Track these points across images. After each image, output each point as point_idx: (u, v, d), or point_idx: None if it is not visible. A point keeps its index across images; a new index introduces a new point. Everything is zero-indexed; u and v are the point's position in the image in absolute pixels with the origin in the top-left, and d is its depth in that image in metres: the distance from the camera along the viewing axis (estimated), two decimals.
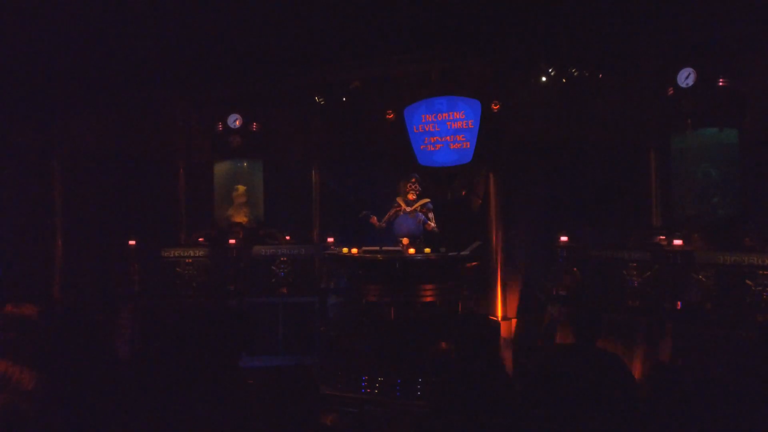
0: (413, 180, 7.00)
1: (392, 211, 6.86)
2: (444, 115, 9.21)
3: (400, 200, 6.92)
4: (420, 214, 6.85)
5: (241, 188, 9.76)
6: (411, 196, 6.87)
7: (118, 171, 10.39)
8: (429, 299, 6.43)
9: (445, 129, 9.20)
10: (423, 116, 9.33)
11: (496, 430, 3.55)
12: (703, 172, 7.30)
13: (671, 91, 7.36)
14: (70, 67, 9.13)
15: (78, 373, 2.71)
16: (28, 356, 2.54)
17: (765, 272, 5.98)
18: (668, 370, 6.19)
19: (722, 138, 7.28)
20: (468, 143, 9.05)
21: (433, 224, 6.84)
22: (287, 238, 9.48)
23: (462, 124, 9.10)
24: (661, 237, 7.21)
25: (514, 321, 8.93)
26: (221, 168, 10.01)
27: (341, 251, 6.72)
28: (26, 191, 10.10)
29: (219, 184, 9.98)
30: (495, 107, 8.87)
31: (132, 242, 8.66)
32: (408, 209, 6.78)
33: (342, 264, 7.35)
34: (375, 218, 6.85)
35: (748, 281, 6.10)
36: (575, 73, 8.53)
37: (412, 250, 6.37)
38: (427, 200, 6.93)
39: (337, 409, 5.84)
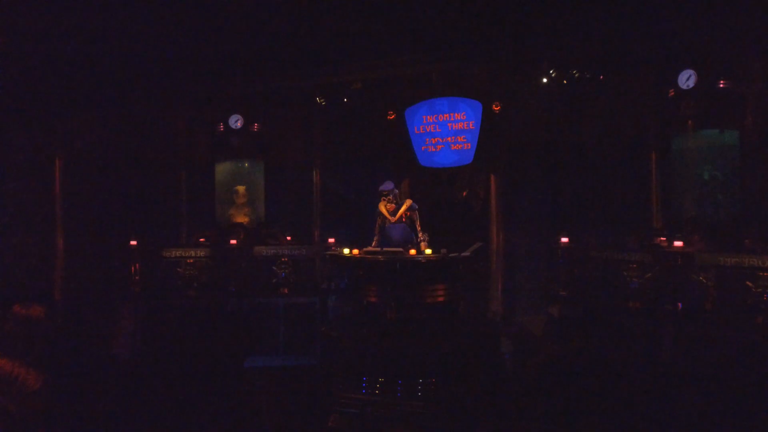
0: (384, 193, 6.72)
1: (379, 221, 6.79)
2: (445, 116, 9.23)
3: (383, 209, 6.74)
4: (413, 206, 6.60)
5: (241, 189, 9.79)
6: (390, 207, 6.72)
7: (119, 171, 10.41)
8: (430, 300, 6.44)
9: (446, 130, 9.22)
10: (424, 117, 9.35)
11: (496, 430, 3.57)
12: (709, 174, 7.31)
13: (672, 93, 7.38)
14: (73, 67, 9.15)
15: (81, 373, 2.73)
16: (34, 356, 2.56)
17: (765, 274, 5.99)
18: (669, 371, 6.20)
19: (723, 139, 7.29)
20: (469, 144, 9.07)
21: (419, 229, 6.62)
22: (288, 238, 9.50)
23: (463, 125, 9.12)
24: (662, 238, 7.22)
25: (514, 321, 8.95)
26: (222, 168, 10.04)
27: (342, 252, 6.71)
28: (28, 191, 10.11)
29: (220, 185, 10.01)
30: (496, 108, 8.89)
31: (133, 242, 8.68)
32: (393, 219, 6.67)
33: (343, 265, 7.35)
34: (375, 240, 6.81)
35: (748, 283, 6.11)
36: (576, 75, 8.55)
37: (413, 251, 6.37)
38: (410, 202, 6.75)
39: (338, 410, 5.86)
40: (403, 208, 6.68)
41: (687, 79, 7.19)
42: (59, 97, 9.71)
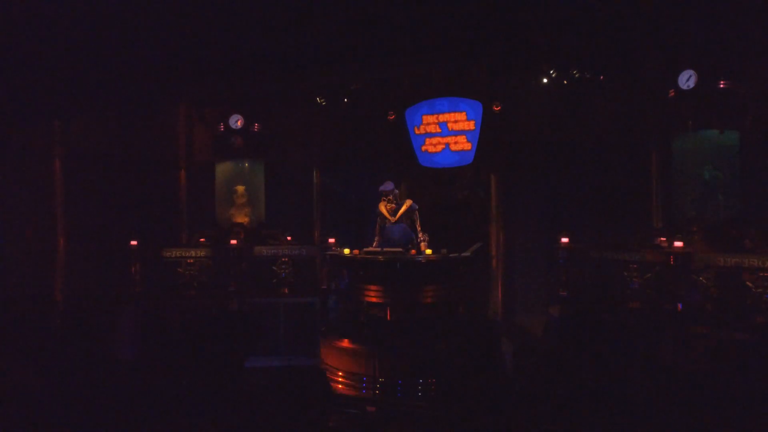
0: (384, 193, 6.75)
1: (379, 221, 6.79)
2: (445, 116, 9.23)
3: (383, 210, 6.75)
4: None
5: (241, 189, 9.78)
6: (390, 207, 6.74)
7: (119, 171, 10.41)
8: (430, 300, 6.44)
9: (447, 130, 9.22)
10: (424, 117, 9.35)
11: (496, 430, 3.57)
12: (710, 174, 7.31)
13: (672, 93, 7.38)
14: (73, 67, 9.15)
15: (81, 373, 2.73)
16: (33, 357, 2.56)
17: (765, 274, 6.00)
18: (669, 372, 6.20)
19: (723, 140, 7.29)
20: (469, 144, 9.07)
21: (419, 229, 6.64)
22: (288, 238, 9.50)
23: (463, 125, 9.12)
24: (662, 238, 7.22)
25: (514, 321, 8.95)
26: (223, 168, 10.03)
27: (342, 252, 6.72)
28: (28, 191, 10.11)
29: (220, 185, 10.00)
30: (496, 108, 8.89)
31: (134, 242, 8.68)
32: (393, 219, 6.68)
33: (343, 265, 7.36)
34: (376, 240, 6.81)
35: (748, 283, 6.11)
36: (576, 75, 8.56)
37: (413, 252, 6.37)
38: (410, 202, 6.76)
39: (338, 410, 5.85)
40: (403, 208, 6.69)
41: (687, 79, 7.19)
42: (59, 97, 9.71)
